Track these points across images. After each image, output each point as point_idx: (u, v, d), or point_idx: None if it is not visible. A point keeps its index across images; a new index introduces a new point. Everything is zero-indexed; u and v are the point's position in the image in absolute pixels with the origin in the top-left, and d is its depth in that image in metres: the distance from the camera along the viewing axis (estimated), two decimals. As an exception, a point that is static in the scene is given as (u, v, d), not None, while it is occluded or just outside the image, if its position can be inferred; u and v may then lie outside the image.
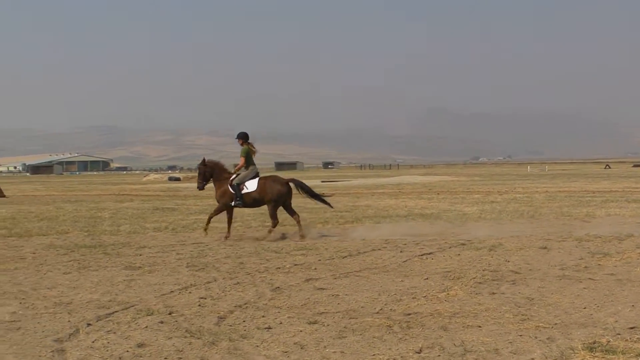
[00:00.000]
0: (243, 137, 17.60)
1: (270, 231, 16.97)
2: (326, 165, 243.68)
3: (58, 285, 10.87)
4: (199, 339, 7.39)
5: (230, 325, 7.98)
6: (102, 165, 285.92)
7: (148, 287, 10.55)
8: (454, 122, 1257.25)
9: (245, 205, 17.25)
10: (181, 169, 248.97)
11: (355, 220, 21.02)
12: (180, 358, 6.75)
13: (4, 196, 42.76)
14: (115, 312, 8.82)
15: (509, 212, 23.12)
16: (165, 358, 6.75)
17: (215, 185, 17.55)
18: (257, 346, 7.12)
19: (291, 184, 17.50)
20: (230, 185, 17.08)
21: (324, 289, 10.20)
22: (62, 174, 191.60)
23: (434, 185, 49.35)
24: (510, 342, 7.11)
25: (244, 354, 6.83)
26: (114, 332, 7.74)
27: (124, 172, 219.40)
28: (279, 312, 8.64)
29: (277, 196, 17.05)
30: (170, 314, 8.62)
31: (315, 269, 12.04)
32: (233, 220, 17.53)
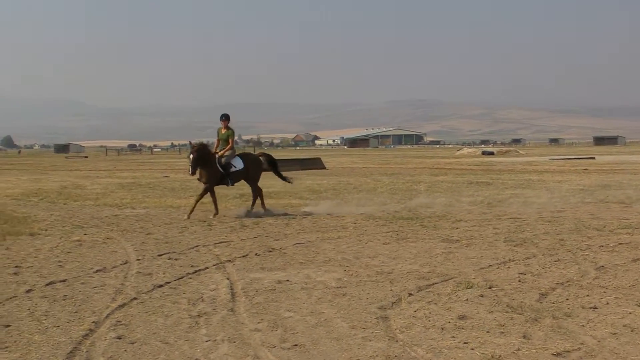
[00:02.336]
0: (228, 119, 18.37)
1: (259, 200, 18.26)
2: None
3: (379, 255, 11.22)
4: (520, 314, 7.24)
5: (553, 303, 7.74)
6: (416, 139, 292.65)
7: (466, 260, 10.55)
8: None
9: (235, 182, 18.26)
10: (494, 142, 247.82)
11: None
12: (503, 332, 6.64)
13: (324, 168, 45.40)
14: (435, 283, 8.92)
15: None
16: (487, 332, 6.69)
17: (203, 167, 17.74)
18: (583, 326, 6.82)
19: (261, 158, 19.17)
20: (219, 165, 17.80)
21: (654, 270, 9.56)
22: (377, 147, 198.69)
23: None
24: None
25: (569, 333, 6.57)
26: (435, 303, 7.83)
27: (437, 146, 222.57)
28: (604, 292, 8.23)
29: (260, 170, 18.67)
30: (490, 288, 8.54)
31: (642, 248, 11.33)
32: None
